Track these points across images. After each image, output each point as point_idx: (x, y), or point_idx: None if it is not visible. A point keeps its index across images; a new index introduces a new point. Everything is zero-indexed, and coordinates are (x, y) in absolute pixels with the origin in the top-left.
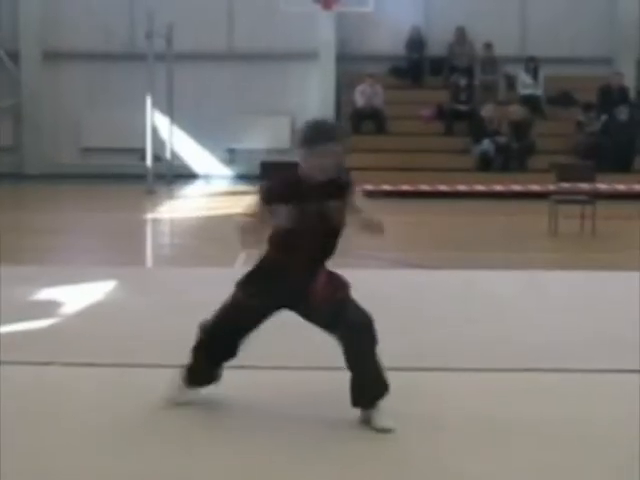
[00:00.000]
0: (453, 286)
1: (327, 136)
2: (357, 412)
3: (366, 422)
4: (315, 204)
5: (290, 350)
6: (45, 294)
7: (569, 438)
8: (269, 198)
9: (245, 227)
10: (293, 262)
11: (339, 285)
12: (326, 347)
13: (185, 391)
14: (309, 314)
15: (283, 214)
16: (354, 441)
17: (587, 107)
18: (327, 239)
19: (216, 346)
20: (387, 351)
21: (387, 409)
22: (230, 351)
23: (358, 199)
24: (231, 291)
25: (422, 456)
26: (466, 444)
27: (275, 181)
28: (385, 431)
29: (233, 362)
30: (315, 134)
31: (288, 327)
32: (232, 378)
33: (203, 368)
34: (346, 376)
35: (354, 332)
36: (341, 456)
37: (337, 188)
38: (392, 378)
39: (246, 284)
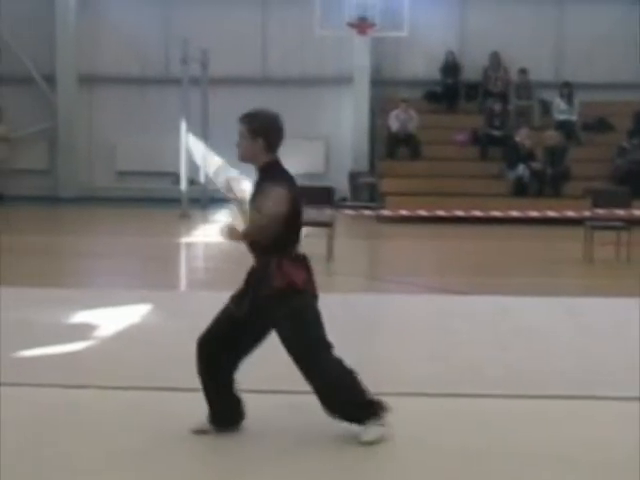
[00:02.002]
0: (486, 312)
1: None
2: None
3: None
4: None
5: None
6: (81, 317)
7: (609, 464)
8: None
9: None
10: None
11: None
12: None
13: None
14: None
15: None
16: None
17: (631, 133)
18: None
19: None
20: (418, 376)
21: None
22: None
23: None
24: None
25: None
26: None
27: None
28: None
29: (253, 386)
30: None
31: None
32: (257, 402)
33: (213, 397)
34: None
35: None
36: None
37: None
38: (422, 404)
39: None
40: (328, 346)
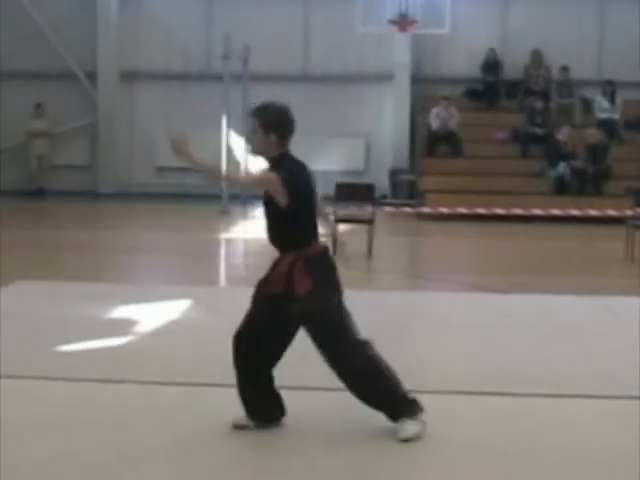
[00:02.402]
0: (526, 311)
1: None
2: None
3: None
4: None
5: None
6: (121, 312)
7: None
8: None
9: None
10: None
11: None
12: None
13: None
14: None
15: None
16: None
17: None
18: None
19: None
20: (456, 375)
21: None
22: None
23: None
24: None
25: None
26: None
27: None
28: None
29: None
30: None
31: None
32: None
33: (250, 393)
34: None
35: None
36: None
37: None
38: (459, 402)
39: None
40: (348, 338)
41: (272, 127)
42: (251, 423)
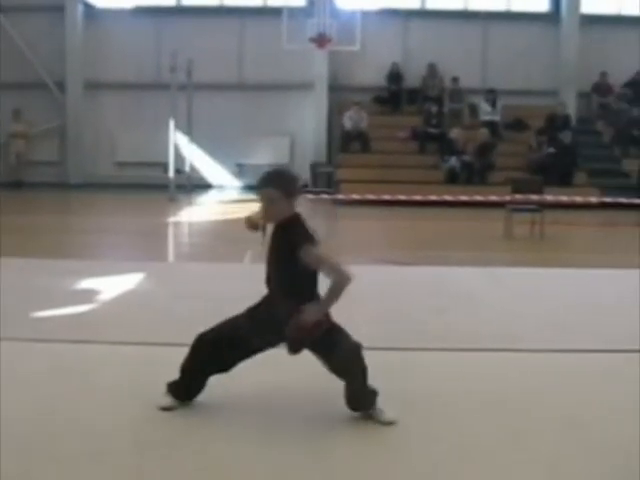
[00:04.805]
0: (426, 280)
1: (262, 182)
2: None
3: (369, 417)
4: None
5: None
6: (87, 284)
7: (526, 407)
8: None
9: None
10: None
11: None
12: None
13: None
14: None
15: None
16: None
17: (539, 132)
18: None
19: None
20: (369, 335)
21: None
22: (223, 363)
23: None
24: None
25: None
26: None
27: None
28: (390, 424)
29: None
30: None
31: None
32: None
33: (192, 382)
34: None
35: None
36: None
37: (287, 241)
38: (373, 357)
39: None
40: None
41: (292, 194)
42: (176, 403)
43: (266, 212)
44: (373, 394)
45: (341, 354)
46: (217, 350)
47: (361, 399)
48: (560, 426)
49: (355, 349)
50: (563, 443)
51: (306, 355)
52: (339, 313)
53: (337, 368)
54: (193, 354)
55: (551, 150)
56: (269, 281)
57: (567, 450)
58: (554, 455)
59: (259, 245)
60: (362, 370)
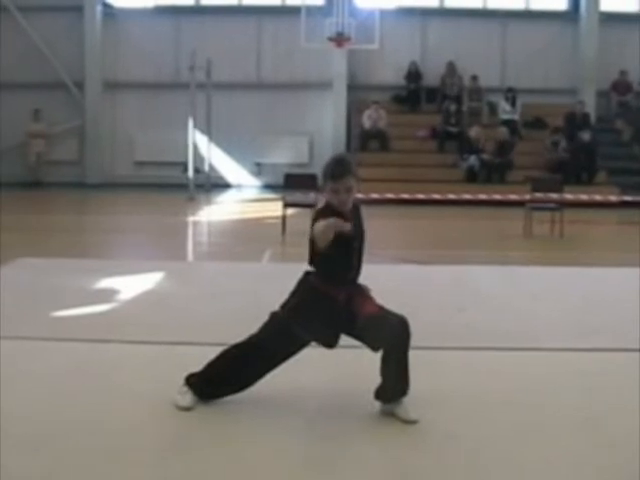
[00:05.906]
0: (445, 279)
1: (343, 171)
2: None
3: (388, 414)
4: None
5: None
6: (106, 283)
7: (535, 404)
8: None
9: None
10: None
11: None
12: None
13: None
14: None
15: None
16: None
17: (555, 131)
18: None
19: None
20: None
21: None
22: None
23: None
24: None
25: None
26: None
27: (321, 209)
28: (412, 422)
29: None
30: (335, 169)
31: None
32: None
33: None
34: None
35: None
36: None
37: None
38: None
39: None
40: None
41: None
42: (194, 402)
43: (348, 200)
44: (404, 386)
45: (391, 325)
46: (245, 363)
47: (394, 386)
48: (579, 425)
49: (403, 321)
50: (582, 442)
51: (328, 355)
52: None
53: (386, 341)
54: (222, 361)
55: (565, 147)
56: (350, 272)
57: (587, 449)
58: (573, 453)
59: (278, 245)
60: (406, 345)
